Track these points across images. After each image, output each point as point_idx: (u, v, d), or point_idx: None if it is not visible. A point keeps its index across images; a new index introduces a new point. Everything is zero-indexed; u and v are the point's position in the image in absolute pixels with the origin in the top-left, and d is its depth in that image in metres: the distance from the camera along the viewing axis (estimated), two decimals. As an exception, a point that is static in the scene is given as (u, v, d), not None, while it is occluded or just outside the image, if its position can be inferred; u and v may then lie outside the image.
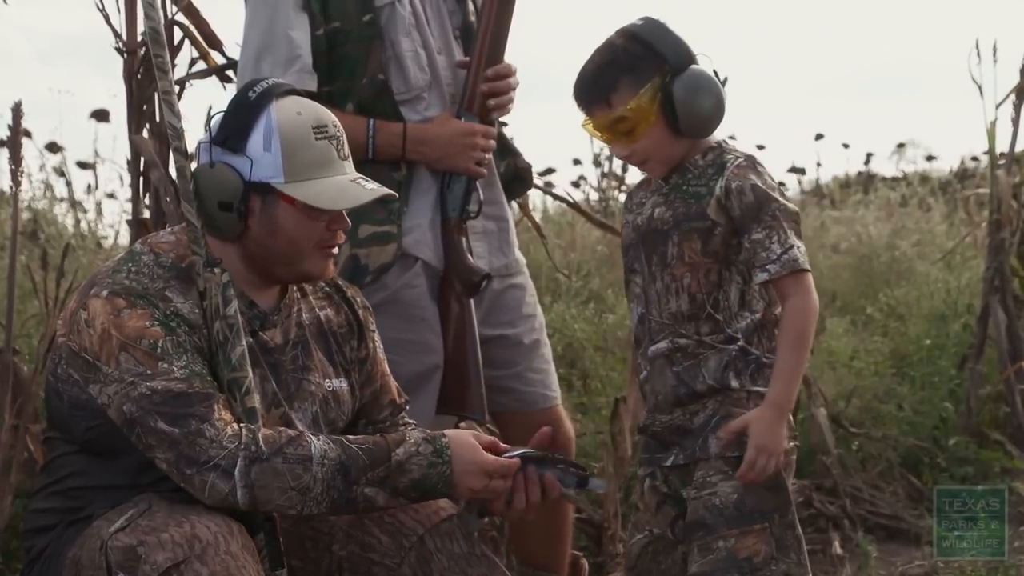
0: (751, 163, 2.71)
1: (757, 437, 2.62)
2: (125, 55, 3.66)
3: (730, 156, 2.73)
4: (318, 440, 2.41)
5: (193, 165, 2.55)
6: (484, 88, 3.17)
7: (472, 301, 3.19)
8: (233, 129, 2.50)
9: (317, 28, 3.08)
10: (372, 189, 2.56)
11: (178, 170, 2.52)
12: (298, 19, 3.07)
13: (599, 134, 2.77)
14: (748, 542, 2.64)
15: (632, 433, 4.02)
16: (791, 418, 2.73)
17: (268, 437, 2.38)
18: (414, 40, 3.15)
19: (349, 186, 2.54)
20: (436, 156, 3.16)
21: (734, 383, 2.69)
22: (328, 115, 2.57)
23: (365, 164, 2.99)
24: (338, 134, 2.56)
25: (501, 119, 3.31)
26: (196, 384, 2.39)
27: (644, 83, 2.67)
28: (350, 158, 2.60)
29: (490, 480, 2.49)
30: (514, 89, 3.23)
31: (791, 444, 2.73)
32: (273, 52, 3.05)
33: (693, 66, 2.69)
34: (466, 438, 2.51)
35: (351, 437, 2.46)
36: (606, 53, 2.73)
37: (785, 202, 2.68)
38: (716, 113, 2.70)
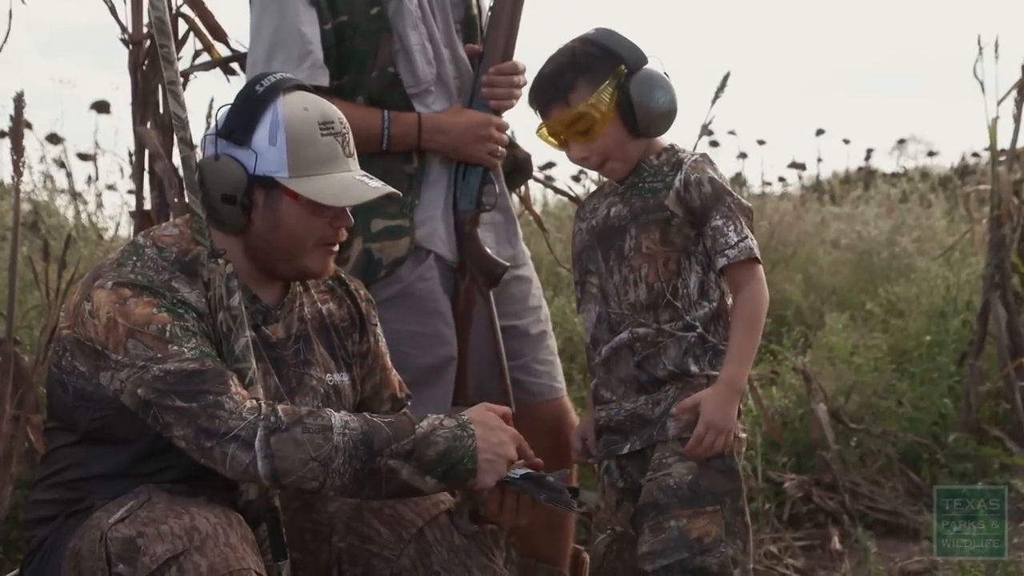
0: (706, 159, 2.81)
1: (708, 413, 2.67)
2: (130, 46, 3.66)
3: (685, 154, 2.82)
4: (339, 412, 2.40)
5: (199, 156, 2.55)
6: (483, 80, 3.18)
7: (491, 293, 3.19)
8: (239, 122, 2.50)
9: (325, 23, 3.07)
10: (376, 187, 2.56)
11: (183, 160, 2.52)
12: (307, 14, 3.06)
13: (554, 139, 2.83)
14: (700, 523, 2.68)
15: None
16: (741, 408, 2.79)
17: (287, 409, 2.37)
18: (421, 33, 3.15)
19: (353, 183, 2.54)
20: (452, 145, 3.16)
21: (694, 368, 2.75)
22: (335, 111, 2.57)
23: (376, 156, 2.99)
24: (344, 131, 2.56)
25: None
26: (208, 363, 2.38)
27: (601, 81, 2.76)
28: (355, 155, 2.59)
29: (511, 463, 2.45)
30: (519, 87, 3.23)
31: (743, 434, 2.79)
32: (285, 49, 3.04)
33: (646, 66, 2.78)
34: (482, 410, 2.48)
35: (372, 413, 2.45)
36: (563, 56, 2.81)
37: (739, 197, 2.76)
38: (670, 110, 2.79)
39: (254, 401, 2.37)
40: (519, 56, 3.23)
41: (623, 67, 2.76)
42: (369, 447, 2.36)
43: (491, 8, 3.21)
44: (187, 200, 2.50)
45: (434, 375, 3.11)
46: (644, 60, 2.79)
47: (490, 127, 3.17)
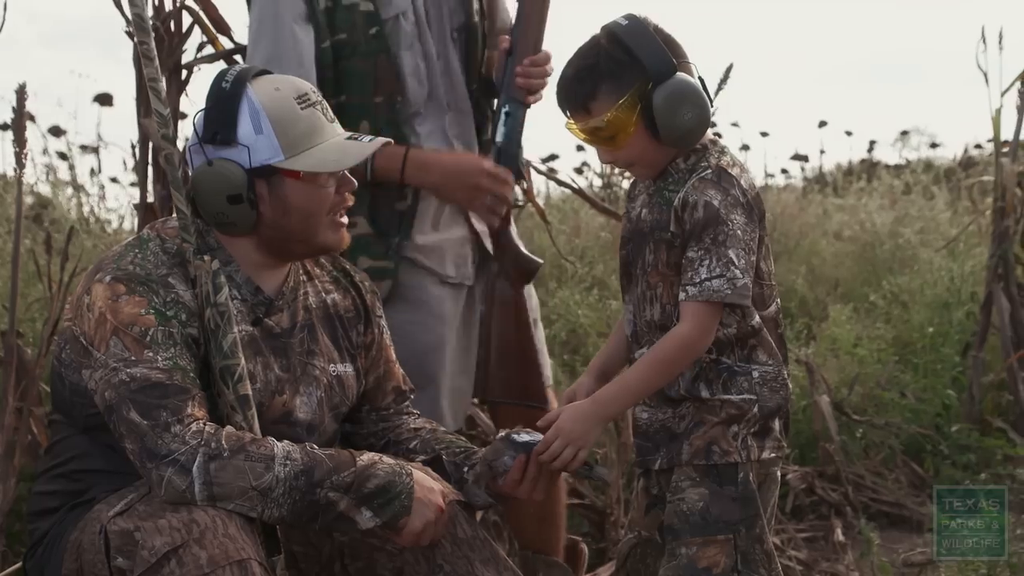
0: (716, 177, 2.59)
1: (562, 420, 2.57)
2: (134, 39, 3.65)
3: (703, 164, 2.62)
4: (281, 442, 2.39)
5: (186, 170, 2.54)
6: (518, 71, 3.14)
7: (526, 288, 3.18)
8: (219, 123, 2.49)
9: (323, 40, 3.06)
10: (370, 142, 2.57)
11: (166, 157, 2.51)
12: (303, 31, 3.05)
13: (581, 137, 2.67)
14: (709, 552, 2.59)
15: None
16: (778, 429, 2.66)
17: (231, 435, 2.36)
18: (415, 52, 3.13)
19: (347, 144, 2.55)
20: (435, 184, 3.12)
21: (704, 393, 2.62)
22: (305, 84, 2.58)
23: (364, 188, 2.94)
24: (319, 99, 2.56)
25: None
26: (176, 377, 2.38)
27: (624, 91, 2.55)
28: (337, 120, 2.60)
29: (441, 511, 2.46)
30: (549, 75, 3.20)
31: (771, 455, 2.66)
32: (280, 65, 2.99)
33: (677, 74, 2.56)
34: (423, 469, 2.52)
35: (315, 445, 2.44)
36: (587, 56, 2.61)
37: (738, 228, 2.55)
38: (698, 125, 2.59)
39: (201, 424, 2.36)
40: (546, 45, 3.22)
41: (648, 76, 2.54)
42: (310, 478, 2.36)
43: (519, 2, 3.17)
44: (173, 198, 2.49)
45: (422, 361, 3.11)
46: (671, 69, 2.55)
47: (480, 176, 3.12)
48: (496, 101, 3.24)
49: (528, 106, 3.19)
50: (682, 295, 2.55)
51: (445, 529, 2.51)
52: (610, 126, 2.58)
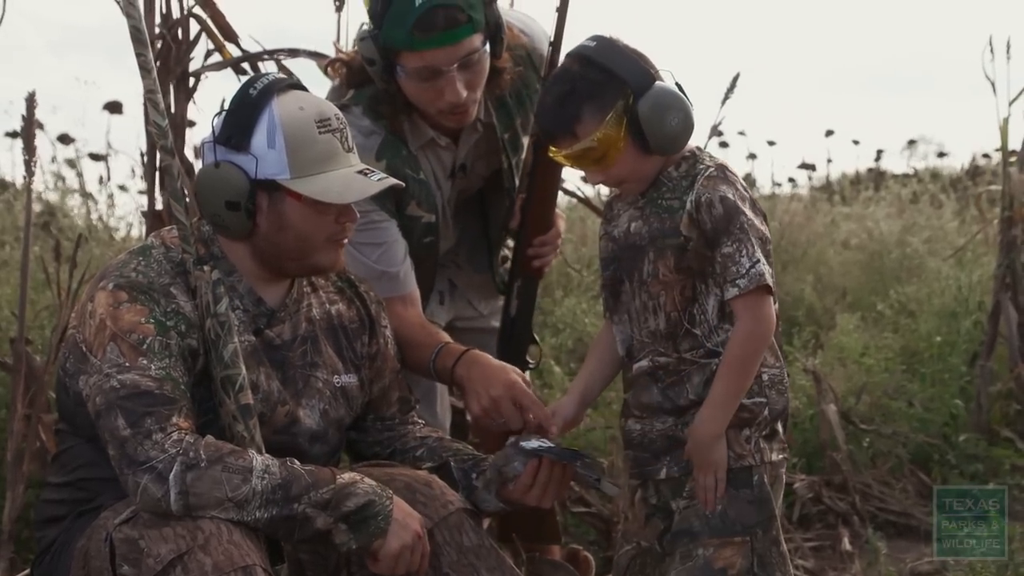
0: (721, 173, 2.63)
1: (699, 461, 2.59)
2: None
3: (702, 167, 2.65)
4: (260, 455, 2.39)
5: (198, 164, 2.55)
6: (531, 252, 3.20)
7: None
8: (236, 127, 2.50)
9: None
10: (379, 180, 2.56)
11: (164, 168, 2.53)
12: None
13: (569, 163, 2.69)
14: (726, 553, 2.61)
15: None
16: (782, 431, 2.68)
17: (210, 445, 2.35)
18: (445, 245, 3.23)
19: (355, 178, 2.54)
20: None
21: None
22: (330, 108, 2.57)
23: None
24: (341, 126, 2.55)
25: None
26: (166, 387, 2.38)
27: (608, 110, 2.57)
28: (355, 150, 2.59)
29: (419, 537, 2.44)
30: (558, 247, 3.29)
31: (779, 457, 2.68)
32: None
33: (657, 83, 2.59)
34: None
35: (296, 461, 2.42)
36: (564, 83, 2.63)
37: (751, 216, 2.59)
38: (685, 129, 2.62)
39: (181, 434, 2.34)
40: None
41: (629, 89, 2.57)
42: (287, 493, 2.35)
43: (529, 179, 3.18)
44: (172, 208, 2.49)
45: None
46: (650, 79, 2.59)
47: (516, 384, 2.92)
48: (507, 272, 3.30)
49: (541, 277, 3.26)
50: (734, 290, 2.56)
51: (425, 561, 2.48)
52: (601, 145, 2.59)
